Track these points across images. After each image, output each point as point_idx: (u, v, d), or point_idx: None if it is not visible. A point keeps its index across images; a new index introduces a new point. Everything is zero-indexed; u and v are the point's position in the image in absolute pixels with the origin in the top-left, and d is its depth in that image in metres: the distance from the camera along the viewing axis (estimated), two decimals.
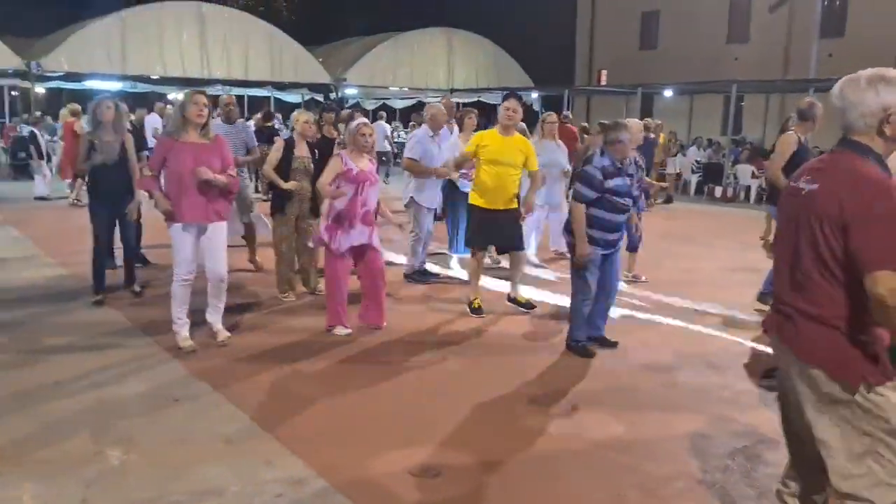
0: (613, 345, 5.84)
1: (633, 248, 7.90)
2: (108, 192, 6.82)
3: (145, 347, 5.61)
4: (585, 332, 5.72)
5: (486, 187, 6.46)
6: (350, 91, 26.73)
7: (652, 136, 14.69)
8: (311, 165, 6.83)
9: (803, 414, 2.62)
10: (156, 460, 3.82)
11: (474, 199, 6.61)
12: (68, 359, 5.34)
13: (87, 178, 7.05)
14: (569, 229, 5.66)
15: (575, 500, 3.54)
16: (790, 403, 2.75)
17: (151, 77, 22.42)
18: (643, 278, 8.13)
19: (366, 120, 6.35)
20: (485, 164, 6.45)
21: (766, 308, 6.72)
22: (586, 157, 5.74)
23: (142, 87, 25.90)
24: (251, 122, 12.64)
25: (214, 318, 5.79)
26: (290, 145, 6.85)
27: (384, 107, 28.92)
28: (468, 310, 6.69)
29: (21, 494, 3.47)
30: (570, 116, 14.58)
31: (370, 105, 28.34)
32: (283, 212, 6.85)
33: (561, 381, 5.10)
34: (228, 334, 5.78)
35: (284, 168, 6.77)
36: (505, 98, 6.78)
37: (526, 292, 7.21)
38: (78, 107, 14.17)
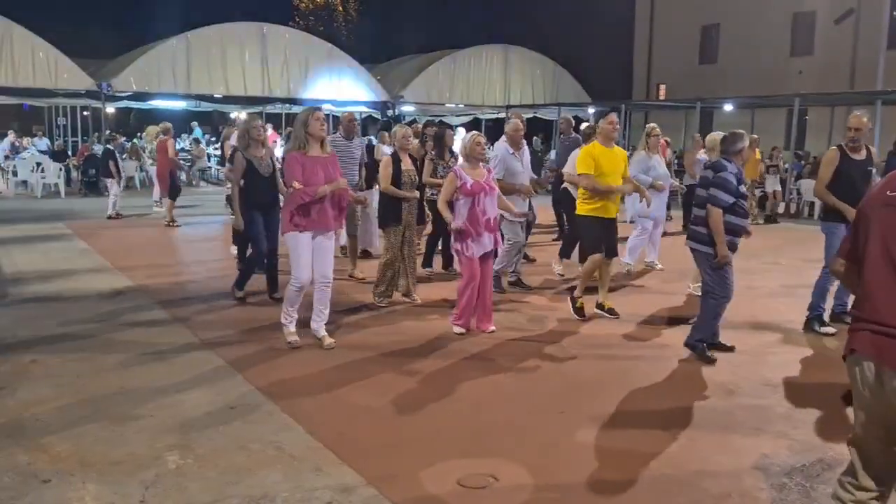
0: (731, 349, 6.01)
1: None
2: (262, 204, 7.35)
3: (205, 359, 5.75)
4: (710, 336, 5.90)
5: (598, 197, 6.79)
6: (407, 108, 26.99)
7: None
8: (417, 178, 7.25)
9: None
10: (211, 465, 3.91)
11: (585, 210, 6.89)
12: (134, 367, 5.52)
13: (236, 196, 7.45)
14: (694, 237, 5.80)
15: None
16: (875, 420, 2.63)
17: (214, 96, 23.02)
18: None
19: (477, 132, 6.73)
20: (597, 175, 6.72)
21: (831, 327, 6.60)
22: (711, 164, 5.87)
23: (205, 106, 26.67)
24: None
25: (319, 325, 6.08)
26: (396, 160, 7.17)
27: (441, 123, 29.11)
28: (572, 310, 6.97)
29: (83, 495, 3.59)
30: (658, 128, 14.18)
31: (423, 122, 28.55)
32: (394, 223, 7.19)
33: (618, 394, 5.05)
34: (333, 340, 6.03)
35: (394, 182, 7.12)
36: (607, 113, 7.11)
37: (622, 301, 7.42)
38: (169, 125, 14.61)
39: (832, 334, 6.57)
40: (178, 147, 23.16)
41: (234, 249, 9.55)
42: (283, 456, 4.04)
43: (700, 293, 7.85)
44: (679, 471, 3.93)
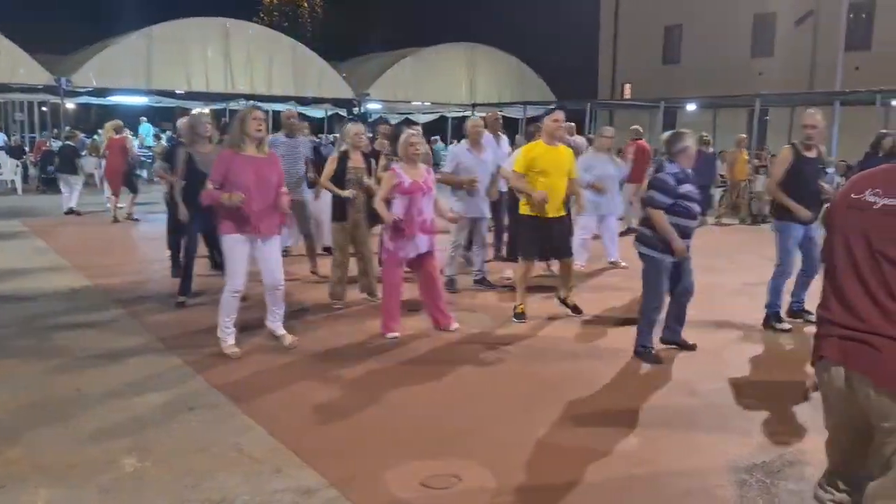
0: (692, 347, 5.98)
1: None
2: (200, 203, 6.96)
3: (163, 359, 5.65)
4: (650, 340, 5.83)
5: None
6: (373, 106, 26.88)
7: (710, 150, 14.56)
8: (366, 175, 7.06)
9: (870, 433, 2.55)
10: (169, 468, 3.84)
11: (526, 210, 6.74)
12: (90, 369, 5.39)
13: (179, 191, 7.21)
14: (641, 239, 5.76)
15: None
16: (846, 422, 2.67)
17: (176, 92, 22.69)
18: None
19: (414, 131, 6.60)
20: (536, 175, 6.60)
21: (788, 323, 6.70)
22: (656, 166, 5.83)
23: (167, 102, 26.27)
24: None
25: (276, 324, 5.94)
26: (344, 157, 7.06)
27: (406, 121, 29.05)
28: (513, 317, 6.85)
29: (36, 500, 3.50)
30: (640, 130, 13.76)
31: (393, 120, 28.49)
32: (339, 220, 7.05)
33: (580, 393, 5.05)
34: (294, 338, 5.92)
35: (339, 179, 6.98)
36: (553, 111, 7.02)
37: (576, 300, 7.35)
38: (121, 123, 14.36)
39: (788, 330, 6.65)
40: (141, 143, 22.97)
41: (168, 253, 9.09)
42: (244, 458, 3.97)
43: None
44: (641, 469, 3.94)
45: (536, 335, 6.51)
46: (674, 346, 5.98)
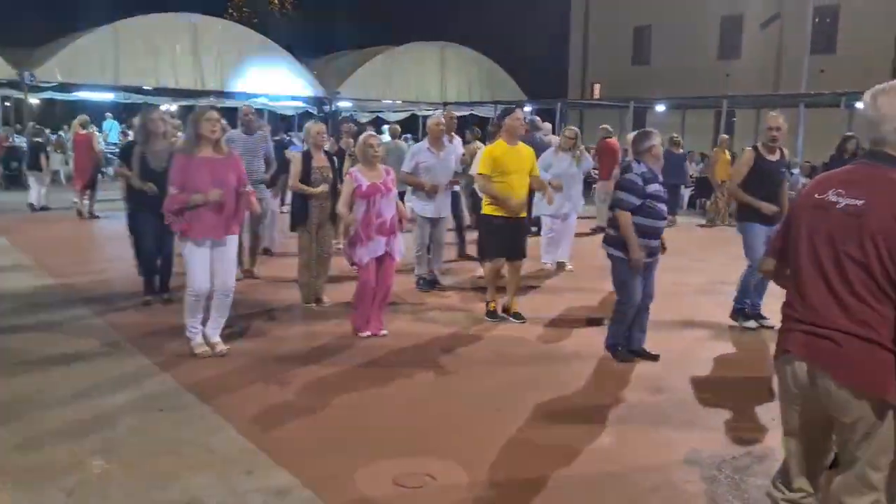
0: (655, 357, 5.81)
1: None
2: (158, 203, 6.63)
3: (131, 359, 5.57)
4: (622, 338, 5.82)
5: (501, 197, 6.55)
6: (344, 104, 26.76)
7: (681, 151, 14.67)
8: (330, 174, 6.98)
9: (828, 426, 2.61)
10: (137, 470, 3.78)
11: (489, 210, 6.68)
12: (54, 369, 5.29)
13: (127, 189, 7.15)
14: (608, 241, 5.73)
15: None
16: (804, 416, 2.70)
17: (144, 88, 22.38)
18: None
19: (372, 132, 6.56)
20: (499, 175, 6.55)
21: (737, 324, 6.76)
22: (623, 166, 5.82)
23: (135, 98, 25.89)
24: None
25: (213, 331, 5.75)
26: (307, 157, 6.97)
27: (377, 119, 28.98)
28: (486, 315, 6.85)
29: None
30: (610, 129, 13.78)
31: (364, 118, 28.39)
32: (304, 222, 6.95)
33: (550, 393, 5.07)
34: (227, 347, 5.73)
35: (304, 179, 6.89)
36: (513, 110, 6.95)
37: (540, 300, 7.35)
38: (87, 118, 14.15)
39: (753, 329, 6.73)
40: (106, 140, 22.58)
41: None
42: (215, 458, 3.93)
43: None
44: (611, 465, 3.97)
45: (503, 335, 6.49)
46: (637, 357, 5.80)
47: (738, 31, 26.94)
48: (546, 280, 8.85)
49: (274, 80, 23.84)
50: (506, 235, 6.66)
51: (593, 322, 6.86)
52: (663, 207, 5.65)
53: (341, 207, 6.08)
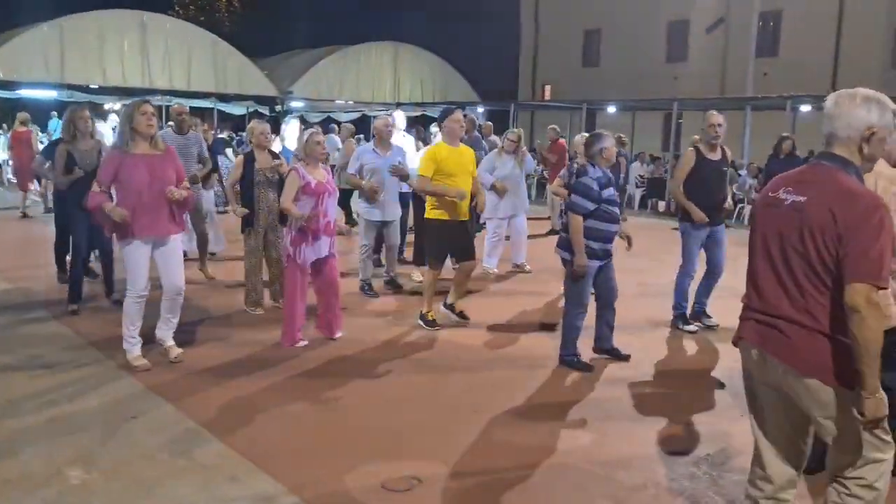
0: (626, 357, 5.84)
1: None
2: (83, 202, 6.50)
3: (96, 363, 5.44)
4: (576, 348, 5.70)
5: (446, 200, 6.40)
6: (296, 104, 26.52)
7: (623, 152, 14.85)
8: (276, 175, 6.73)
9: (791, 417, 2.73)
10: (118, 479, 3.70)
11: (434, 214, 6.52)
12: (16, 376, 5.14)
13: (52, 188, 7.02)
14: (562, 244, 5.69)
15: None
16: (768, 408, 2.82)
17: (91, 86, 21.82)
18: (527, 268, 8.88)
19: (317, 129, 6.39)
20: (443, 177, 6.39)
21: (694, 325, 6.85)
22: (577, 170, 5.79)
23: (78, 97, 25.20)
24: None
25: (166, 333, 5.57)
26: (250, 159, 6.76)
27: (329, 119, 28.76)
28: (422, 323, 6.65)
29: None
30: (559, 130, 13.87)
31: (315, 118, 28.15)
32: (251, 225, 6.76)
33: (525, 393, 5.12)
34: (180, 351, 5.57)
35: (248, 182, 6.70)
36: (453, 111, 6.70)
37: (486, 303, 7.23)
38: (28, 116, 13.75)
39: (694, 332, 6.71)
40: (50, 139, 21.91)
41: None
42: (195, 465, 3.87)
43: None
44: (594, 464, 4.02)
45: (467, 335, 6.47)
46: (606, 356, 5.86)
47: (684, 36, 27.54)
48: (493, 284, 8.74)
49: (224, 79, 23.50)
50: (455, 237, 6.53)
51: (547, 327, 6.79)
52: (617, 211, 5.66)
53: (287, 203, 5.84)
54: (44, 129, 21.42)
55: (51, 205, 13.07)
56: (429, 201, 6.61)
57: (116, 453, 3.98)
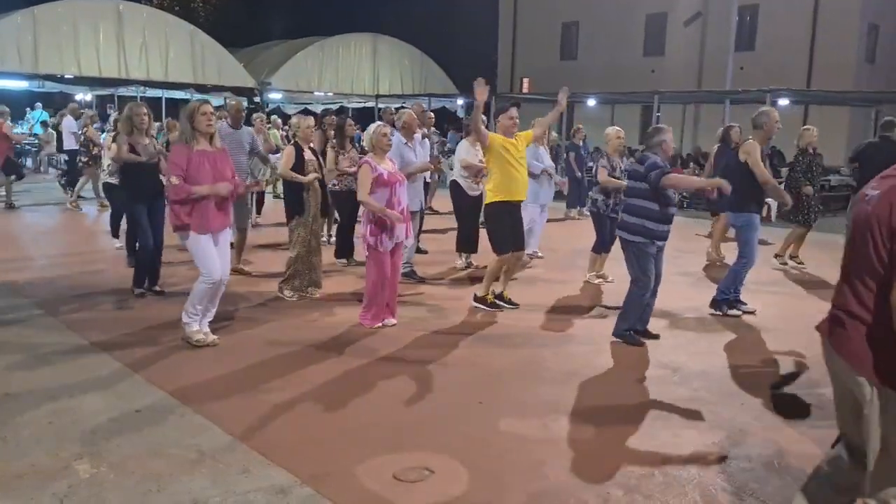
0: (656, 336, 6.22)
1: (604, 248, 8.24)
2: (146, 195, 7.09)
3: (97, 357, 5.39)
4: (634, 323, 6.10)
5: (504, 182, 6.74)
6: (274, 95, 26.29)
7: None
8: (318, 169, 7.08)
9: (855, 409, 2.67)
10: (128, 473, 3.67)
11: (498, 197, 6.76)
12: (17, 371, 5.07)
13: (120, 179, 7.52)
14: (623, 226, 6.01)
15: (563, 502, 3.57)
16: (837, 396, 2.82)
17: (66, 76, 21.46)
18: (610, 278, 8.31)
19: (383, 122, 6.68)
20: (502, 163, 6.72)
21: (719, 313, 6.99)
22: (639, 157, 6.12)
23: (49, 87, 24.79)
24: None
25: (203, 321, 5.76)
26: (299, 150, 7.00)
27: (306, 111, 28.56)
28: (481, 305, 7.01)
29: None
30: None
31: (292, 109, 27.94)
32: (300, 215, 6.98)
33: (535, 384, 5.16)
34: (216, 337, 5.75)
35: (298, 170, 6.95)
36: (509, 108, 7.24)
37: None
38: (6, 109, 13.52)
39: (738, 316, 6.98)
40: (22, 130, 21.54)
41: (116, 242, 9.08)
42: (206, 459, 3.84)
43: (595, 282, 8.29)
44: (604, 454, 4.06)
45: (478, 326, 6.53)
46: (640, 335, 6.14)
47: (662, 29, 27.68)
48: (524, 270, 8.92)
49: (202, 70, 23.22)
50: (514, 220, 6.89)
51: (573, 311, 7.11)
52: (674, 196, 5.99)
53: (364, 196, 6.08)
54: (15, 120, 21.05)
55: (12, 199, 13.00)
56: (488, 188, 6.90)
57: (124, 448, 3.94)
